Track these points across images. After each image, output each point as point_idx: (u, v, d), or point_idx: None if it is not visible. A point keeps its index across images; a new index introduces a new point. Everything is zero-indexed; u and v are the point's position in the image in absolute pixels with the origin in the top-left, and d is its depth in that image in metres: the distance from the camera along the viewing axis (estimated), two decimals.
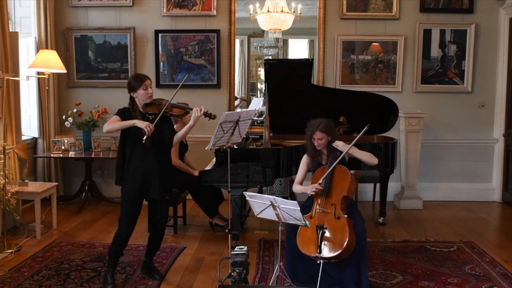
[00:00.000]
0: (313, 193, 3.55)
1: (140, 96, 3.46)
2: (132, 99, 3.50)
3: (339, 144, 3.62)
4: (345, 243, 3.31)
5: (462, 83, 6.27)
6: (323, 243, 3.33)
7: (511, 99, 6.14)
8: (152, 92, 3.49)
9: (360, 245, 3.40)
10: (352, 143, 3.56)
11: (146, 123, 3.32)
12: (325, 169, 3.58)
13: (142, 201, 3.58)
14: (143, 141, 3.28)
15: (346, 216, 3.43)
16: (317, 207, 3.51)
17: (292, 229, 3.48)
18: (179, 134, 3.61)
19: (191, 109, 3.53)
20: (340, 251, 3.31)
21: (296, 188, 3.78)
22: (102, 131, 6.02)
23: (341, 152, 3.62)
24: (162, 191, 3.54)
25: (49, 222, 5.09)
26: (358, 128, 5.21)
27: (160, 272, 3.83)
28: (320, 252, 3.30)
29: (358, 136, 3.55)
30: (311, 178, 3.67)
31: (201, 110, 3.49)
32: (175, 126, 4.82)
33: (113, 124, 3.38)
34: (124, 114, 3.46)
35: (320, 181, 3.54)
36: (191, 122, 3.52)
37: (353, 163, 3.93)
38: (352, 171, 3.69)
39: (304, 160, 3.81)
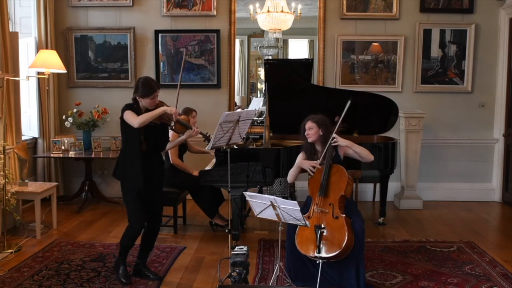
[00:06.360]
0: (311, 168, 3.58)
1: (145, 103, 3.52)
2: (136, 100, 3.54)
3: (338, 139, 3.62)
4: (344, 243, 3.31)
5: (462, 83, 6.27)
6: (321, 243, 3.33)
7: (511, 99, 6.14)
8: (157, 101, 3.57)
9: (358, 244, 3.40)
10: (335, 128, 3.62)
11: (174, 109, 3.48)
12: (322, 169, 3.58)
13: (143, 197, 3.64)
14: (172, 127, 3.55)
15: (344, 215, 3.43)
16: (314, 207, 3.51)
17: (293, 229, 3.48)
18: (172, 143, 3.91)
19: (191, 128, 3.69)
20: (339, 250, 3.31)
21: (292, 169, 3.80)
22: (103, 131, 6.14)
23: (337, 152, 3.68)
24: (158, 192, 3.71)
25: (49, 222, 5.09)
26: (358, 128, 5.27)
27: (155, 272, 3.82)
28: (319, 252, 3.30)
29: (340, 118, 3.65)
30: (308, 179, 3.66)
31: (195, 131, 3.67)
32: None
33: (144, 116, 3.39)
34: (135, 110, 3.49)
35: (319, 162, 3.58)
36: (183, 137, 3.79)
37: (353, 163, 3.93)
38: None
39: (300, 157, 3.81)
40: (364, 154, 3.70)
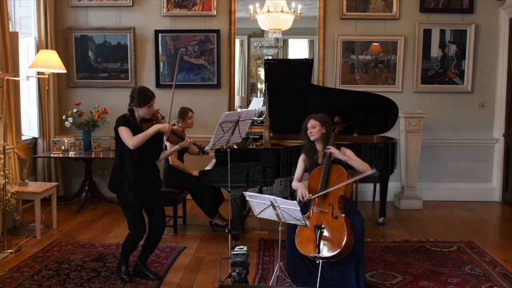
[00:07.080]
0: (300, 199, 3.55)
1: (142, 113, 3.52)
2: (132, 111, 3.53)
3: (332, 150, 3.60)
4: (344, 243, 3.31)
5: (462, 83, 6.27)
6: (321, 243, 3.33)
7: (511, 99, 6.14)
8: (154, 109, 3.57)
9: (358, 244, 3.40)
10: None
11: (167, 126, 3.49)
12: (321, 169, 3.59)
13: (141, 206, 3.67)
14: (164, 143, 3.59)
15: (343, 215, 3.43)
16: (314, 207, 3.51)
17: (293, 229, 3.48)
18: (165, 153, 3.83)
19: (184, 138, 3.69)
20: (338, 250, 3.31)
21: (294, 184, 3.82)
22: (103, 131, 6.14)
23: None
24: (156, 199, 3.72)
25: (49, 222, 5.09)
26: (358, 128, 5.27)
27: (155, 272, 3.82)
28: (319, 252, 3.30)
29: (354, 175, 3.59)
30: (308, 178, 3.67)
31: (187, 142, 3.67)
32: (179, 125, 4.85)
33: (139, 137, 3.42)
34: (129, 125, 3.48)
35: (311, 195, 3.50)
36: (176, 146, 3.74)
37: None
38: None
39: (301, 158, 3.84)
40: (362, 168, 3.63)
